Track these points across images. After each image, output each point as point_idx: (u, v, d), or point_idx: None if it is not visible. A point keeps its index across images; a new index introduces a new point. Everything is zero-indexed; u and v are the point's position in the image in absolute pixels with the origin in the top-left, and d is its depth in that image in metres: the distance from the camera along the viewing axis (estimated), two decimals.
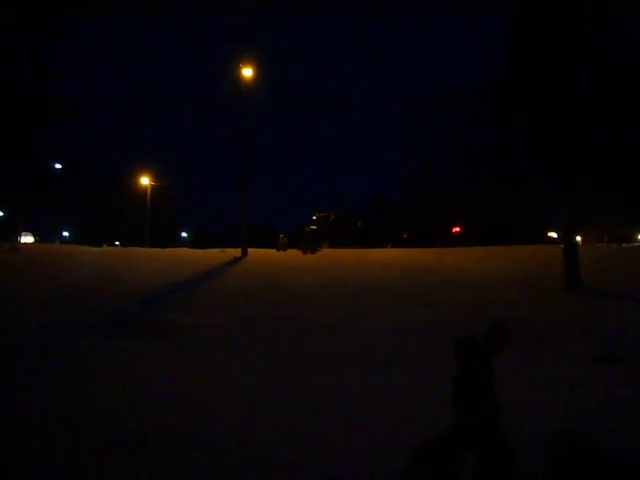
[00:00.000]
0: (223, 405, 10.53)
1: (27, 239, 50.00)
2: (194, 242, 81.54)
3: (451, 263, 30.89)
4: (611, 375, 12.58)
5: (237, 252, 33.35)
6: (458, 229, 50.50)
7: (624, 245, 43.69)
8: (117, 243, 72.27)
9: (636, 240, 55.70)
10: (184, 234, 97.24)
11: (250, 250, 33.88)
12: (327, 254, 36.16)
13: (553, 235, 52.92)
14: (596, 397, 10.68)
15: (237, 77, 34.90)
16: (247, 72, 34.78)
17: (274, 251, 37.92)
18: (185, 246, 61.07)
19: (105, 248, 45.06)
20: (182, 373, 13.39)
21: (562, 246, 26.94)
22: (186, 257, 33.33)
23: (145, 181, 70.63)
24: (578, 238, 34.56)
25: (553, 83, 25.18)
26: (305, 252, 36.51)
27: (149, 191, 69.12)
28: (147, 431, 8.94)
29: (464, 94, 28.65)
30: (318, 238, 40.49)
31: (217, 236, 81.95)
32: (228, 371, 13.65)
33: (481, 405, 5.70)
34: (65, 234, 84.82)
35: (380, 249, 40.16)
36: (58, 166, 40.04)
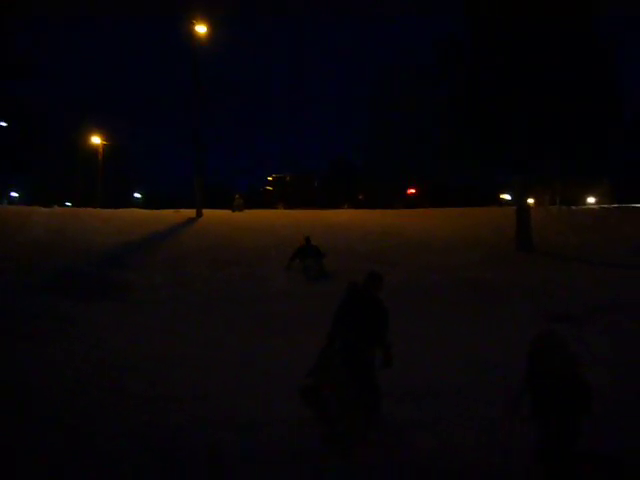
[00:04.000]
0: (177, 365, 10.48)
1: None
2: (148, 203, 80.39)
3: (406, 224, 31.07)
4: (564, 332, 12.84)
5: (192, 213, 32.96)
6: (413, 191, 50.76)
7: (574, 208, 44.51)
8: (68, 204, 70.79)
9: (586, 203, 56.89)
10: (137, 195, 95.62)
11: (205, 211, 33.52)
12: (285, 214, 36.05)
13: (506, 197, 53.70)
14: None
15: (191, 34, 34.09)
16: (201, 29, 33.97)
17: (230, 212, 37.61)
18: (138, 207, 60.18)
19: (56, 209, 44.08)
20: (136, 333, 13.25)
21: (515, 208, 27.33)
22: (140, 217, 32.81)
23: (96, 140, 69.04)
24: (530, 200, 35.10)
25: (509, 46, 25.21)
26: (234, 211, 37.06)
27: (101, 151, 67.66)
28: (105, 392, 8.86)
29: (424, 58, 28.61)
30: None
31: (171, 197, 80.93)
32: (182, 331, 13.56)
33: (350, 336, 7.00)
34: (14, 195, 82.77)
35: (336, 210, 40.13)
36: (2, 124, 38.89)
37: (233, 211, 37.92)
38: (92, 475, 6.23)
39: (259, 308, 16.58)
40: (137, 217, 33.02)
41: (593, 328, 13.41)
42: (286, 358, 10.98)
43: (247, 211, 37.70)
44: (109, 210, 37.81)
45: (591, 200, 60.85)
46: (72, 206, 65.81)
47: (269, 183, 46.55)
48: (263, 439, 7.27)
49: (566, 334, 12.55)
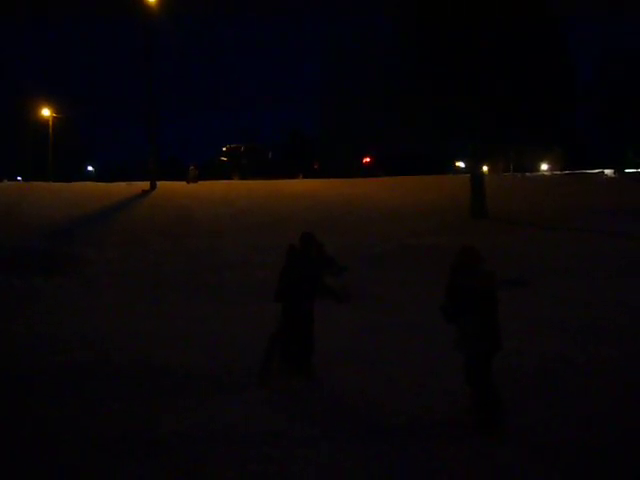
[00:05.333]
0: (128, 338, 10.41)
1: None
2: (100, 177, 78.91)
3: (363, 193, 31.13)
4: (518, 296, 13.10)
5: (145, 185, 32.47)
6: (368, 160, 50.79)
7: (528, 175, 45.11)
8: (19, 178, 69.16)
9: (539, 170, 57.69)
10: (90, 168, 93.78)
11: (159, 183, 33.06)
12: (239, 185, 35.77)
13: (460, 165, 54.15)
14: (505, 315, 11.07)
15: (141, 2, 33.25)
16: None
17: (184, 184, 37.16)
18: (91, 180, 59.04)
19: (5, 183, 43.03)
20: (88, 308, 13.09)
21: (469, 176, 27.57)
22: (92, 191, 32.26)
23: (46, 113, 67.30)
24: (485, 168, 35.44)
25: (462, 20, 25.19)
26: (188, 182, 36.75)
27: (51, 123, 66.01)
28: (58, 367, 8.77)
29: (379, 27, 28.48)
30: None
31: (125, 170, 79.61)
32: (135, 305, 13.44)
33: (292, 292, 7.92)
34: None
35: (291, 180, 39.97)
36: None
37: (188, 183, 37.48)
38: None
39: (215, 279, 16.51)
40: (90, 190, 32.47)
41: (546, 292, 13.67)
42: (239, 326, 10.98)
43: (201, 182, 37.29)
44: (61, 184, 37.07)
45: (544, 167, 61.71)
46: (23, 180, 64.27)
47: (223, 154, 46.04)
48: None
49: (520, 298, 12.89)
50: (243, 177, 41.61)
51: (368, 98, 29.15)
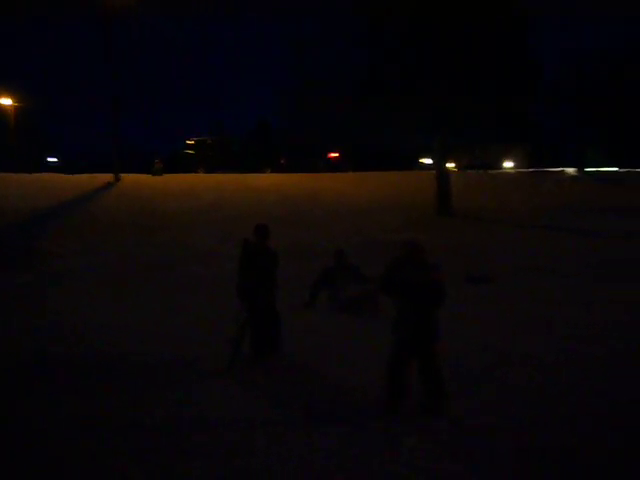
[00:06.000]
0: (97, 330, 10.30)
1: None
2: (64, 168, 77.67)
3: (329, 188, 31.18)
4: (482, 293, 13.26)
5: (109, 177, 32.09)
6: (335, 155, 50.84)
7: (491, 171, 45.57)
8: None
9: (502, 167, 58.30)
10: (53, 159, 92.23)
11: (124, 176, 32.69)
12: (206, 179, 35.56)
13: (426, 161, 54.43)
14: (470, 313, 11.23)
15: None
16: None
17: (149, 176, 36.79)
18: (54, 172, 58.06)
19: None
20: (54, 302, 12.91)
21: (435, 172, 27.77)
22: (55, 182, 31.77)
23: (7, 102, 65.98)
24: (450, 165, 35.71)
25: (427, 13, 25.33)
26: (154, 175, 36.56)
27: (12, 113, 64.74)
28: (27, 361, 8.66)
29: (344, 23, 28.52)
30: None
31: (89, 162, 78.44)
32: (102, 298, 13.28)
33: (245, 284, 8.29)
34: None
35: (258, 174, 39.89)
36: None
37: (153, 175, 37.12)
38: None
39: (183, 272, 16.40)
40: (53, 182, 31.96)
41: (510, 289, 13.83)
42: (209, 317, 10.94)
43: (167, 175, 36.96)
44: (23, 175, 36.39)
45: (509, 164, 62.34)
46: None
47: (189, 147, 45.77)
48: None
49: (486, 295, 13.02)
50: (209, 170, 41.38)
51: (335, 94, 29.08)
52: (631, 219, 23.13)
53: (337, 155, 50.85)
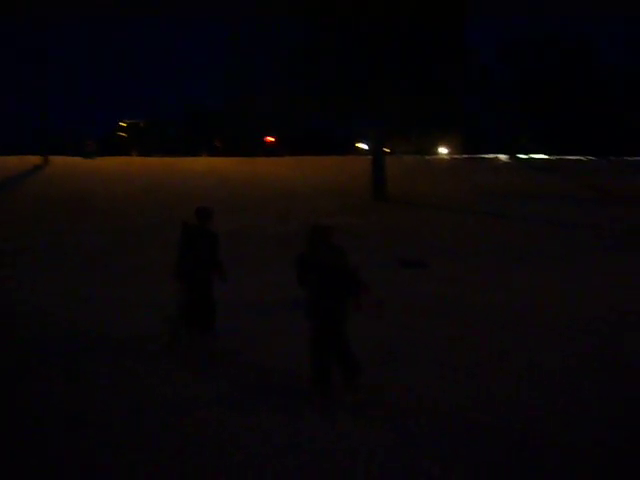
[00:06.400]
0: (27, 318, 10.01)
1: None
2: None
3: (266, 172, 31.01)
4: (416, 277, 13.39)
5: (37, 159, 31.04)
6: (271, 139, 50.47)
7: (427, 157, 46.09)
8: None
9: (437, 153, 59.07)
10: None
11: (53, 158, 31.70)
12: (139, 162, 34.83)
13: (363, 146, 54.68)
14: (403, 294, 11.33)
15: None
16: None
17: (81, 159, 35.78)
18: None
19: None
20: None
21: (370, 157, 27.89)
22: None
23: None
24: (386, 150, 35.87)
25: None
26: (85, 158, 35.57)
27: None
28: None
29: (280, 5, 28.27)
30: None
31: (15, 143, 75.87)
32: (33, 284, 12.87)
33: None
34: None
35: (194, 158, 39.27)
36: None
37: (85, 158, 36.09)
38: None
39: (115, 259, 16.02)
40: None
41: (444, 273, 14.00)
42: (145, 301, 10.75)
43: (99, 158, 36.00)
44: None
45: (444, 150, 63.17)
46: None
47: (122, 129, 44.58)
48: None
49: (419, 278, 13.17)
50: (143, 154, 40.48)
51: (271, 77, 28.87)
52: (556, 204, 23.88)
53: (273, 139, 50.49)
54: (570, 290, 12.07)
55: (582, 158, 43.50)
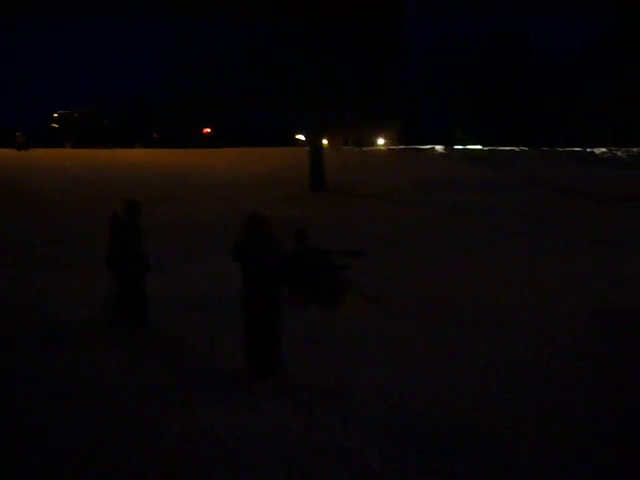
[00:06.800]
0: None
1: None
2: None
3: (204, 163, 30.79)
4: (355, 265, 13.49)
5: None
6: (209, 130, 50.17)
7: (365, 148, 46.49)
8: None
9: (376, 144, 59.62)
10: None
11: None
12: (73, 154, 34.13)
13: (301, 137, 54.77)
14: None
15: None
16: None
17: (13, 151, 34.86)
18: None
19: None
20: None
21: (308, 148, 27.99)
22: None
23: None
24: (324, 141, 36.08)
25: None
26: (19, 150, 34.62)
27: None
28: None
29: None
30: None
31: None
32: None
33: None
34: None
35: (129, 149, 38.70)
36: None
37: (18, 150, 35.18)
38: None
39: (47, 251, 15.68)
40: None
41: (381, 262, 14.16)
42: (79, 294, 10.61)
43: (32, 150, 35.15)
44: None
45: (380, 142, 63.79)
46: None
47: (55, 120, 43.64)
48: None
49: (358, 268, 13.26)
50: (76, 145, 39.71)
51: (208, 68, 28.65)
52: (486, 193, 24.51)
53: (211, 130, 50.20)
54: (490, 274, 12.46)
55: (515, 149, 44.55)
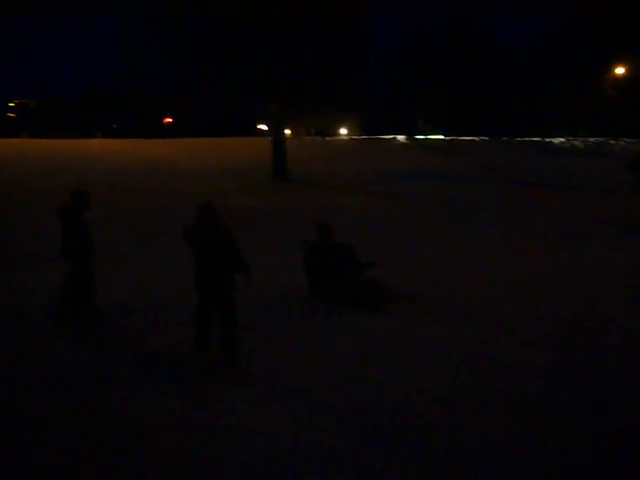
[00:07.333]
0: None
1: None
2: None
3: (164, 154, 30.47)
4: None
5: None
6: (170, 120, 49.65)
7: (327, 139, 46.48)
8: None
9: (339, 134, 59.66)
10: None
11: None
12: (31, 144, 33.50)
13: (263, 127, 54.54)
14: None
15: None
16: None
17: None
18: None
19: None
20: None
21: (271, 138, 27.88)
22: None
23: None
24: (287, 131, 35.95)
25: None
26: None
27: None
28: None
29: None
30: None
31: None
32: None
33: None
34: None
35: (88, 139, 38.10)
36: None
37: None
38: None
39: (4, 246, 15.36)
40: None
41: None
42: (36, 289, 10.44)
43: None
44: None
45: (343, 131, 63.80)
46: None
47: (11, 109, 42.84)
48: None
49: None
50: (33, 135, 38.98)
51: (168, 56, 28.30)
52: (447, 183, 24.76)
53: (171, 120, 49.67)
54: (456, 265, 12.58)
55: (476, 138, 44.97)
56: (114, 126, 55.21)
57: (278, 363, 7.08)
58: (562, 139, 45.12)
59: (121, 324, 8.71)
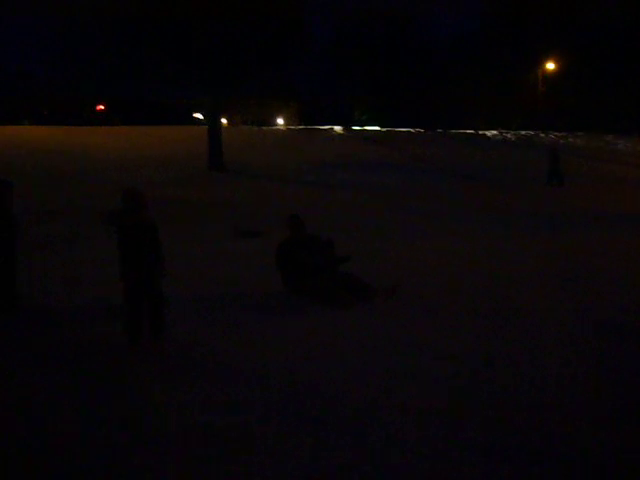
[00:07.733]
0: None
1: None
2: None
3: (95, 142, 29.74)
4: (250, 246, 13.42)
5: None
6: (102, 107, 48.54)
7: (264, 128, 46.27)
8: None
9: (276, 124, 59.50)
10: None
11: None
12: None
13: (199, 116, 53.88)
14: (238, 266, 11.31)
15: None
16: None
17: None
18: None
19: None
20: None
21: (206, 127, 27.57)
22: None
23: None
24: (223, 120, 35.57)
25: None
26: None
27: None
28: None
29: None
30: None
31: None
32: None
33: None
34: None
35: (15, 126, 36.89)
36: None
37: None
38: None
39: None
40: None
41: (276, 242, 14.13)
42: None
43: None
44: None
45: (280, 121, 63.67)
46: None
47: None
48: None
49: (255, 248, 13.20)
50: None
51: (101, 41, 27.62)
52: (382, 173, 25.02)
53: (103, 107, 48.56)
54: (400, 255, 12.64)
55: (411, 130, 45.48)
56: (44, 113, 53.61)
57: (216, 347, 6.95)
58: (495, 132, 46.07)
59: (46, 314, 8.40)
